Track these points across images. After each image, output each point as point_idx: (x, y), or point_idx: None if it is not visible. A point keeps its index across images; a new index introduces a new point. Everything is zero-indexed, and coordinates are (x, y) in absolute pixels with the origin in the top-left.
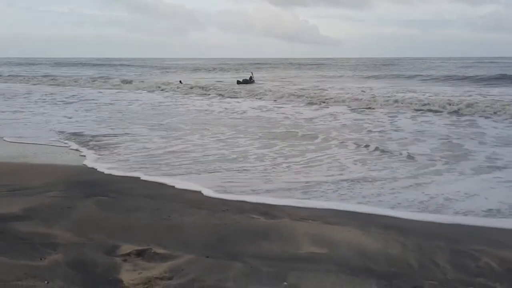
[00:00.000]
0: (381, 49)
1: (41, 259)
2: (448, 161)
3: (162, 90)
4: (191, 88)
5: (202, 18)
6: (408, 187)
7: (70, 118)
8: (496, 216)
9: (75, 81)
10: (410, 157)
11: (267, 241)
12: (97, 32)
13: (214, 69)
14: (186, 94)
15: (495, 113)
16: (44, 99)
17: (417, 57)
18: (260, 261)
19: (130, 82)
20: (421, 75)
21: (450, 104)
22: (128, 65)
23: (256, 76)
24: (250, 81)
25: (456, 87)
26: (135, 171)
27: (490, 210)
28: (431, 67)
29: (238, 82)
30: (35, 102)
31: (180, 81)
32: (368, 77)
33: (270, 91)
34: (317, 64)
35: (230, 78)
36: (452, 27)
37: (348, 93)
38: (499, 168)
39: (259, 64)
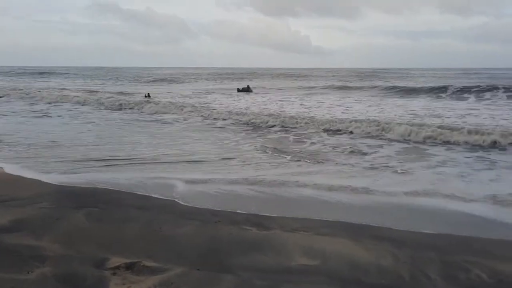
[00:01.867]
0: (373, 59)
1: (28, 272)
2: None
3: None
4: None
5: (195, 28)
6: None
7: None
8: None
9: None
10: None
11: (259, 252)
12: (91, 41)
13: (207, 79)
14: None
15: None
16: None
17: (409, 67)
18: (252, 274)
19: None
20: (397, 87)
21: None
22: (113, 78)
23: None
24: (248, 89)
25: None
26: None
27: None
28: (408, 78)
29: (238, 90)
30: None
31: (148, 94)
32: (351, 89)
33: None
34: (304, 75)
35: (220, 90)
36: (443, 38)
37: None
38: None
39: (251, 74)
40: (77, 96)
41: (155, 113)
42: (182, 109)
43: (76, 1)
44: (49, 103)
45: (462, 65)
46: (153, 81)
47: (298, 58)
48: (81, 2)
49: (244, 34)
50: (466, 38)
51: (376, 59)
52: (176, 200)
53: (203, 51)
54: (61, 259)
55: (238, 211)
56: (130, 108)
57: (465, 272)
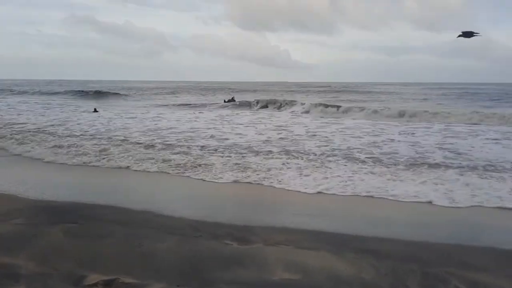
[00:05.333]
0: (351, 74)
1: None
2: None
3: None
4: None
5: (175, 41)
6: None
7: None
8: None
9: None
10: None
11: (240, 267)
12: (69, 54)
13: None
14: None
15: None
16: None
17: (385, 82)
18: None
19: None
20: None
21: None
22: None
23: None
24: (233, 101)
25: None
26: None
27: None
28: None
29: (225, 101)
30: None
31: (95, 109)
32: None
33: None
34: (274, 89)
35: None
36: (417, 53)
37: None
38: None
39: (232, 88)
40: None
41: None
42: None
43: (52, 14)
44: None
45: (436, 80)
46: (122, 94)
47: (279, 72)
48: (58, 14)
49: (223, 48)
50: (439, 53)
51: (355, 73)
52: (156, 214)
53: (183, 65)
54: (37, 277)
55: (220, 224)
56: None
57: (445, 284)
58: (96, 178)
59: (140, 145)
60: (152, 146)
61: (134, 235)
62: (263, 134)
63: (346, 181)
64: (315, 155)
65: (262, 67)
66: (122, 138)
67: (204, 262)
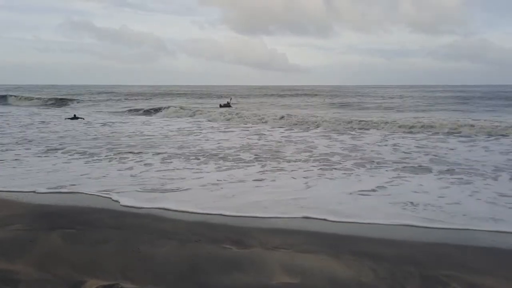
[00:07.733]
0: (348, 77)
1: None
2: None
3: None
4: None
5: (172, 46)
6: None
7: None
8: None
9: None
10: None
11: (240, 272)
12: (65, 59)
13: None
14: None
15: None
16: None
17: (382, 84)
18: None
19: None
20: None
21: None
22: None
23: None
24: (228, 105)
25: None
26: None
27: None
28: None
29: (220, 106)
30: None
31: (75, 116)
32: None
33: None
34: (270, 93)
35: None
36: (414, 56)
37: None
38: None
39: (229, 92)
40: None
41: None
42: None
43: (48, 19)
44: None
45: (433, 82)
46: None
47: (276, 76)
48: (54, 20)
49: (221, 52)
50: (436, 56)
51: (352, 76)
52: (154, 218)
53: (180, 69)
54: (35, 283)
55: (218, 229)
56: None
57: (443, 286)
58: None
59: None
60: None
61: (132, 241)
62: None
63: None
64: None
65: (260, 70)
66: None
67: (203, 266)
